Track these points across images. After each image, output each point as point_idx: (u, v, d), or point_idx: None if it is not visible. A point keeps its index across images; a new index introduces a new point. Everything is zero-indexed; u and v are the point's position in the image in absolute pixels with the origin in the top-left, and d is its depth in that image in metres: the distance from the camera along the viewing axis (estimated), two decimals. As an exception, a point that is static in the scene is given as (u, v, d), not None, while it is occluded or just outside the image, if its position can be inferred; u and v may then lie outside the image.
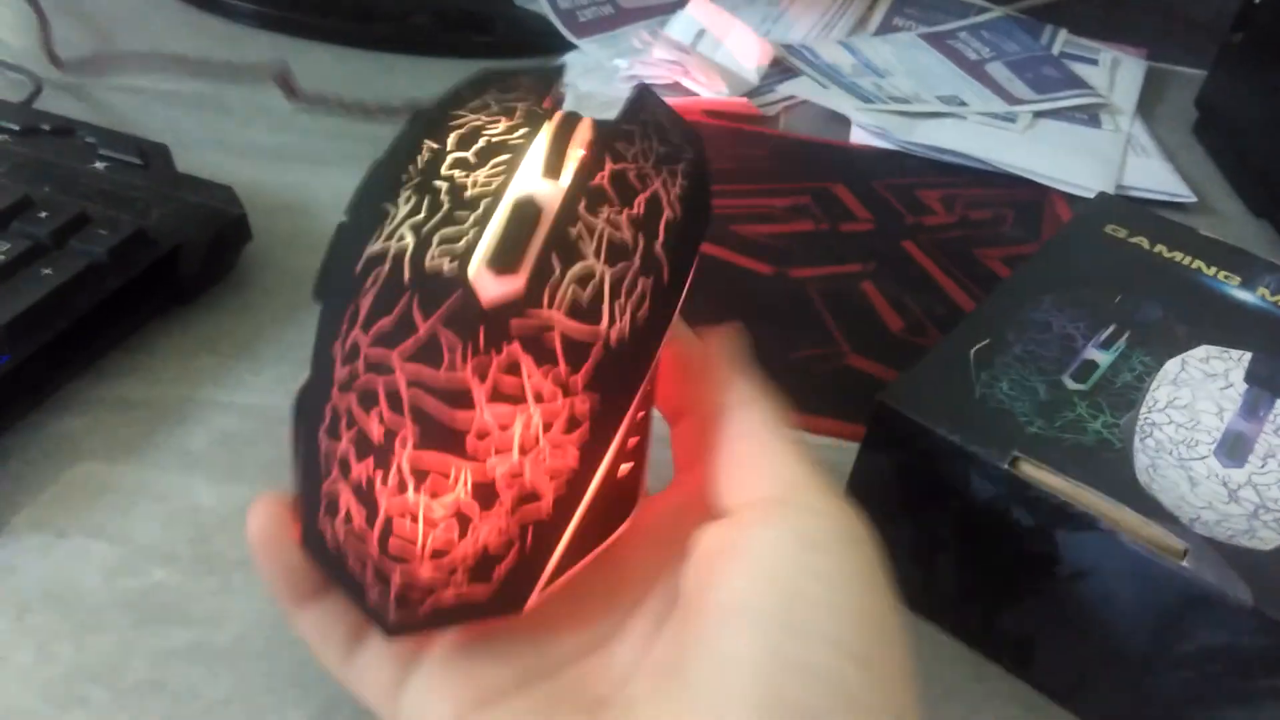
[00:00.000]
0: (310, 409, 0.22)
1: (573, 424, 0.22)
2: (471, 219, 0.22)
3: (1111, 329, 0.34)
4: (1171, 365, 0.32)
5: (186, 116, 0.52)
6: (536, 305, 0.22)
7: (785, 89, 0.63)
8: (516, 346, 0.21)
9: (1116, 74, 0.69)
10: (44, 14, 0.58)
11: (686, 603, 0.22)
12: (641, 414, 0.25)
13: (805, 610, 0.20)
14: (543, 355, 0.22)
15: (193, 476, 0.34)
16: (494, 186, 0.23)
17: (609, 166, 0.24)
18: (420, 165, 0.23)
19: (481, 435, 0.21)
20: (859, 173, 0.56)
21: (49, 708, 0.27)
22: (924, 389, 0.30)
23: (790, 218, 0.51)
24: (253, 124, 0.53)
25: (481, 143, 0.24)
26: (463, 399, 0.21)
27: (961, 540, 0.30)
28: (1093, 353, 0.32)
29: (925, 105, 0.62)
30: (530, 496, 0.22)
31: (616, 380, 0.22)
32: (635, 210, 0.23)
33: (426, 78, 0.61)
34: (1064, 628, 0.29)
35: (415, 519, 0.21)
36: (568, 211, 0.23)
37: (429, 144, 0.24)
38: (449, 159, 0.24)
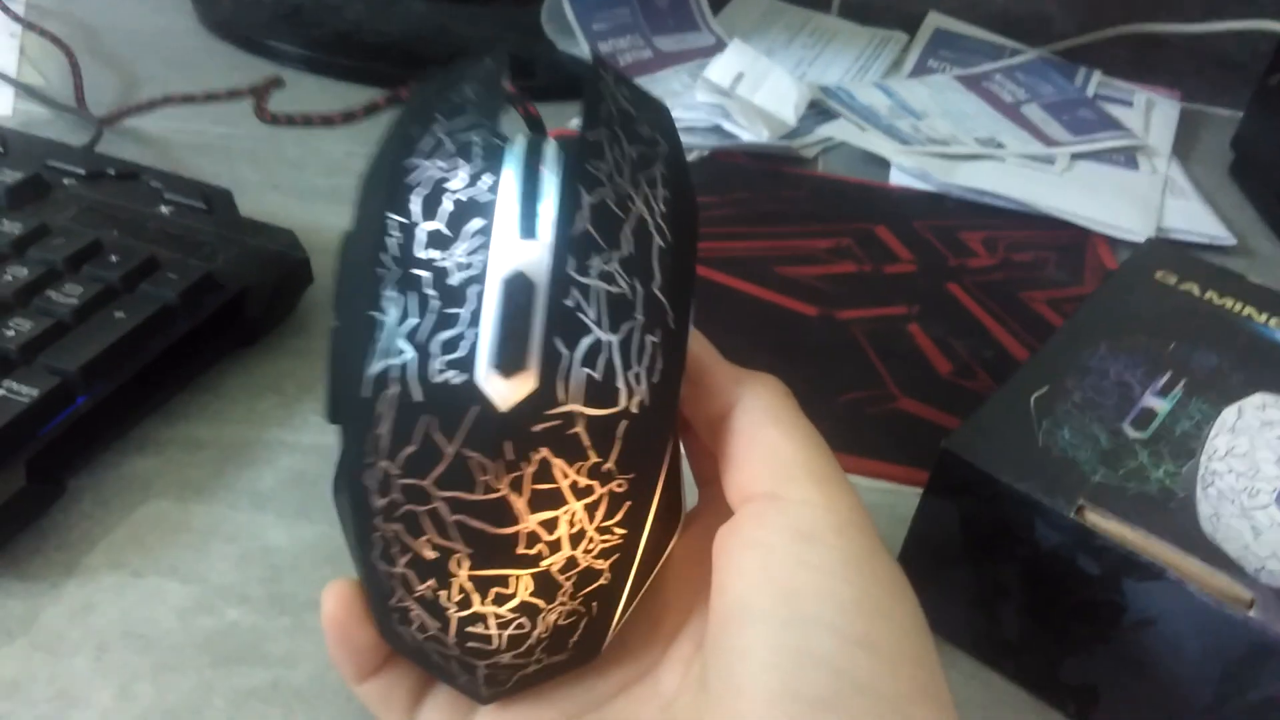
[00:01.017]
0: (359, 535, 0.22)
1: (614, 506, 0.22)
2: (466, 314, 0.21)
3: (1168, 376, 0.34)
4: (1229, 413, 0.33)
5: (243, 161, 0.54)
6: (553, 402, 0.21)
7: (824, 131, 0.64)
8: (545, 452, 0.21)
9: (1151, 116, 0.70)
10: (76, 62, 0.59)
11: (710, 610, 0.23)
12: (674, 449, 0.24)
13: (804, 603, 0.21)
14: (572, 453, 0.21)
15: (263, 516, 0.34)
16: (475, 267, 0.21)
17: (586, 201, 0.22)
18: (393, 252, 0.21)
19: (531, 543, 0.22)
20: (900, 214, 0.57)
21: (132, 747, 0.28)
22: (987, 436, 0.31)
23: (833, 259, 0.52)
24: (307, 166, 0.54)
25: (449, 205, 0.22)
26: (505, 515, 0.21)
27: (1025, 587, 0.30)
28: (1151, 400, 0.33)
29: (963, 147, 0.62)
30: (588, 576, 0.23)
31: (647, 447, 0.22)
32: (624, 250, 0.22)
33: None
34: (1128, 676, 0.30)
35: (486, 624, 0.22)
36: (559, 279, 0.21)
37: (396, 219, 0.22)
38: (420, 236, 0.22)
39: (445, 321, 0.21)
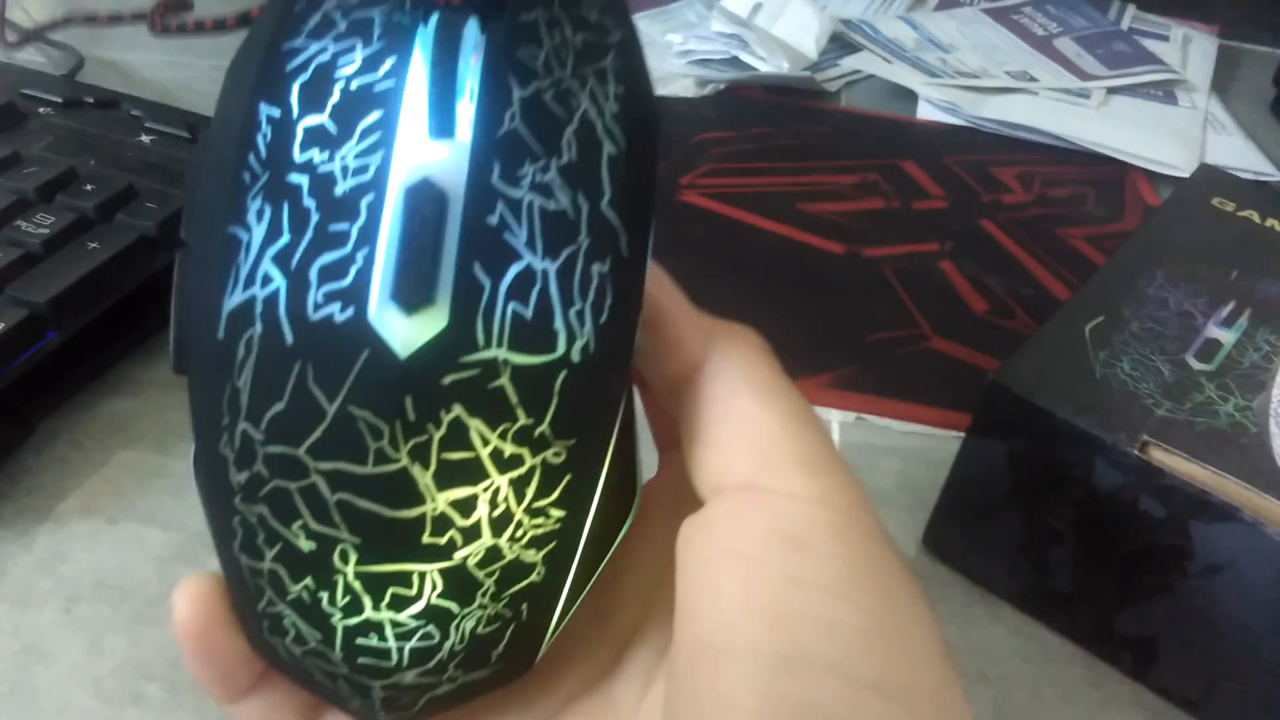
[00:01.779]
0: (216, 521, 0.17)
1: (549, 481, 0.17)
2: (354, 232, 0.16)
3: (1231, 306, 0.31)
4: (1299, 345, 0.30)
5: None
6: (471, 345, 0.16)
7: (848, 64, 0.60)
8: (458, 410, 0.16)
9: (1189, 50, 0.67)
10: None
11: (675, 632, 0.18)
12: (626, 412, 0.19)
13: (800, 635, 0.16)
14: (495, 412, 0.16)
15: (249, 461, 0.32)
16: (371, 171, 0.16)
17: (517, 95, 0.17)
18: (263, 153, 0.17)
19: (440, 529, 0.17)
20: (928, 149, 0.53)
21: (104, 705, 0.25)
22: (1040, 369, 0.28)
23: (859, 195, 0.49)
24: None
25: (338, 95, 0.16)
26: (406, 493, 0.16)
27: (1080, 533, 0.28)
28: (1215, 331, 0.30)
29: (994, 80, 0.59)
30: (516, 570, 0.18)
31: (594, 405, 0.17)
32: (565, 157, 0.17)
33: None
34: (1193, 627, 0.27)
35: (382, 634, 0.17)
36: (481, 190, 0.16)
37: (267, 111, 0.17)
38: (300, 132, 0.16)
39: (327, 241, 0.16)
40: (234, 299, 0.16)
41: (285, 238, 0.16)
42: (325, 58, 0.17)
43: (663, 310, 0.19)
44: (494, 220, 0.16)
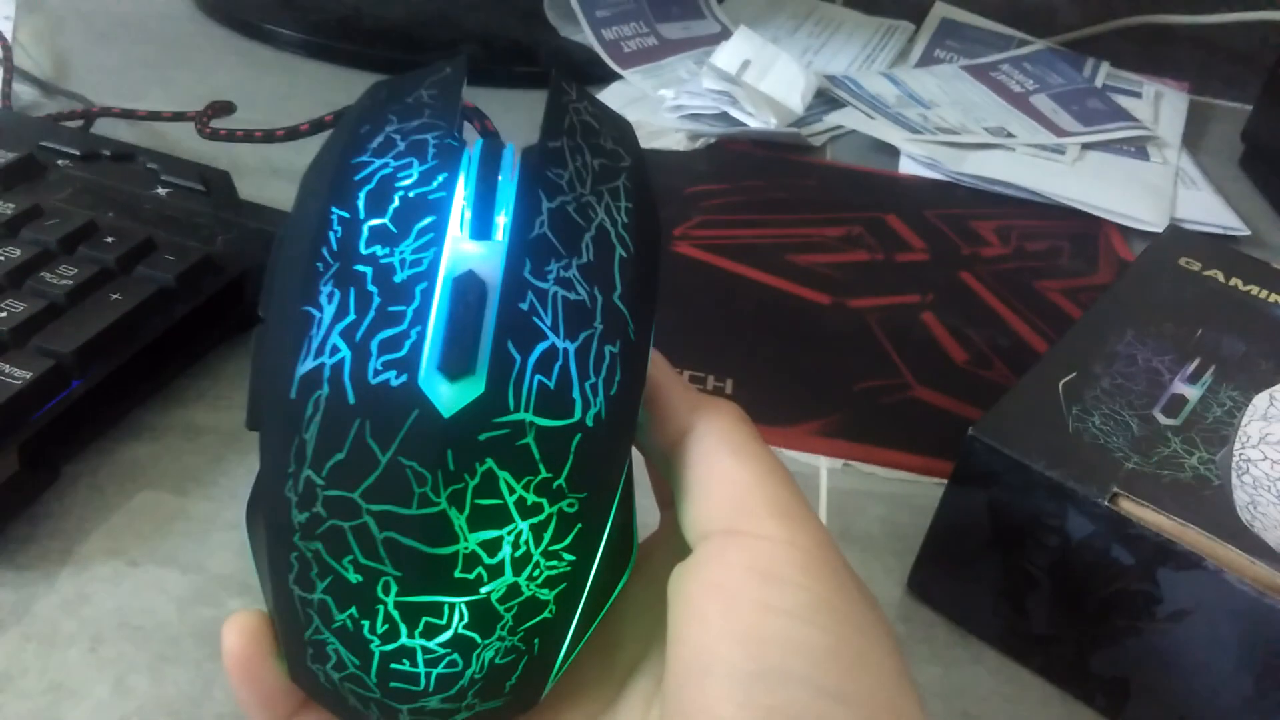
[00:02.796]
0: (274, 556, 0.20)
1: (563, 528, 0.20)
2: (409, 313, 0.19)
3: (1196, 363, 0.33)
4: (1260, 400, 0.32)
5: (240, 144, 0.52)
6: (503, 409, 0.19)
7: (832, 119, 0.63)
8: (491, 463, 0.19)
9: (1160, 107, 0.69)
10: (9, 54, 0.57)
11: (666, 657, 0.21)
12: (627, 474, 0.22)
13: (772, 653, 0.19)
14: (521, 466, 0.19)
15: (264, 505, 0.33)
16: (425, 264, 0.20)
17: (545, 206, 0.21)
18: (335, 246, 0.20)
19: (470, 566, 0.19)
20: (910, 203, 0.56)
21: (129, 742, 0.27)
22: (1015, 423, 0.30)
23: (844, 247, 0.51)
24: (306, 150, 0.53)
25: (397, 202, 0.20)
26: (443, 533, 0.19)
27: (1055, 578, 0.29)
28: (1181, 387, 0.32)
29: (973, 136, 0.61)
30: (531, 607, 0.20)
31: (603, 464, 0.20)
32: (585, 257, 0.21)
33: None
34: (1162, 669, 0.29)
35: (414, 661, 0.20)
36: (514, 281, 0.20)
37: (338, 213, 0.20)
38: (366, 232, 0.20)
39: (387, 319, 0.19)
40: (306, 365, 0.19)
41: (351, 315, 0.19)
42: (387, 171, 0.21)
43: (657, 386, 0.23)
44: (525, 306, 0.20)
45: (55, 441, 0.33)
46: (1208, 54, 0.77)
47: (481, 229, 0.20)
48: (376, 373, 0.19)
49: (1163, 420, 0.30)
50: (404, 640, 0.19)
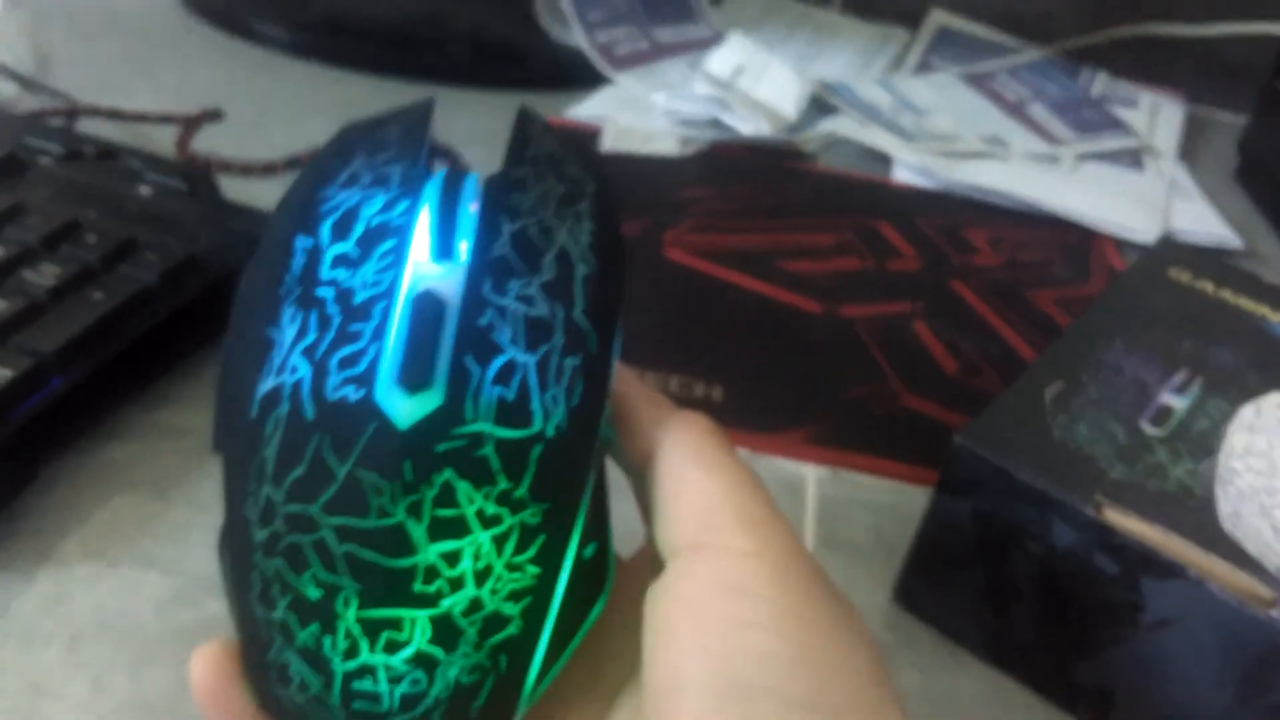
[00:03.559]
0: (236, 577, 0.20)
1: (525, 539, 0.20)
2: (368, 331, 0.20)
3: (1184, 374, 0.33)
4: (1246, 411, 0.32)
5: (225, 145, 0.52)
6: (460, 420, 0.19)
7: (825, 126, 0.63)
8: (449, 474, 0.19)
9: (1156, 118, 0.69)
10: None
11: (643, 675, 0.20)
12: (598, 492, 0.22)
13: (741, 666, 0.18)
14: (479, 476, 0.19)
15: (245, 507, 0.33)
16: (385, 285, 0.20)
17: (506, 229, 0.21)
18: (298, 272, 0.21)
19: (430, 578, 0.19)
20: (902, 211, 0.55)
21: (102, 744, 0.26)
22: (1001, 431, 0.29)
23: (835, 255, 0.51)
24: (294, 151, 0.53)
25: (361, 229, 0.21)
26: (401, 545, 0.19)
27: (1039, 587, 0.29)
28: (1168, 398, 0.32)
29: (967, 145, 0.61)
30: (495, 622, 0.20)
31: (563, 476, 0.20)
32: (545, 275, 0.21)
33: (462, 109, 0.60)
34: (1145, 678, 0.29)
35: (376, 678, 0.19)
36: (473, 298, 0.20)
37: (303, 242, 0.21)
38: (328, 257, 0.21)
39: (346, 338, 0.20)
40: (266, 384, 0.19)
41: (311, 335, 0.20)
42: (353, 202, 0.21)
43: (624, 402, 0.23)
44: (484, 322, 0.20)
45: (34, 441, 0.32)
46: (1205, 65, 0.77)
47: (443, 252, 0.21)
48: (335, 388, 0.19)
49: (1149, 430, 0.30)
50: (365, 657, 0.19)
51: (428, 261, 0.20)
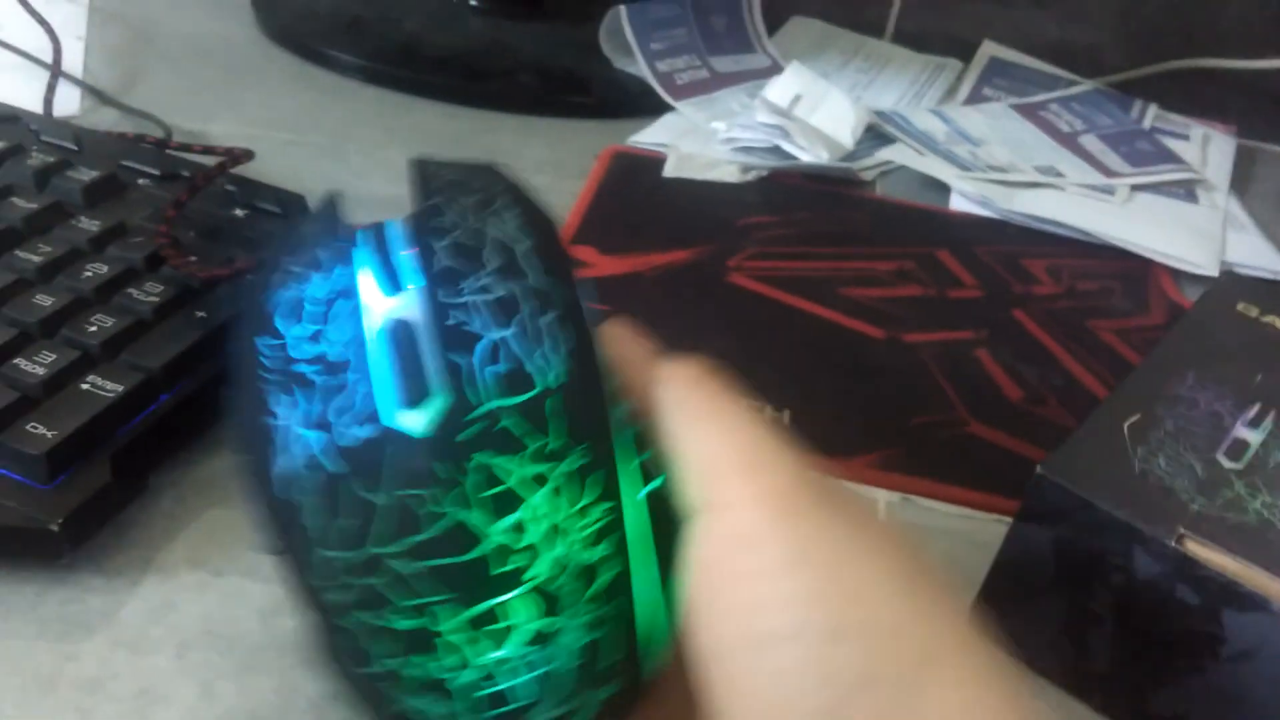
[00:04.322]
0: (333, 653, 0.20)
1: (577, 484, 0.20)
2: (353, 376, 0.21)
3: (1257, 408, 0.34)
4: (1320, 446, 0.32)
5: (307, 168, 0.54)
6: (469, 406, 0.20)
7: (883, 154, 0.63)
8: (478, 456, 0.19)
9: (1208, 150, 0.70)
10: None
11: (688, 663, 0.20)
12: (640, 429, 0.22)
13: (761, 619, 0.19)
14: (508, 445, 0.20)
15: (340, 521, 0.34)
16: (350, 333, 0.21)
17: (439, 246, 0.22)
18: (271, 365, 0.21)
19: (503, 558, 0.19)
20: (961, 239, 0.56)
21: (216, 747, 0.28)
22: (1083, 462, 0.30)
23: (897, 282, 0.52)
24: (370, 176, 0.54)
25: (310, 307, 0.22)
26: (463, 538, 0.19)
27: (1118, 617, 0.30)
28: (1243, 431, 0.32)
29: (1022, 175, 0.62)
30: (587, 572, 0.20)
31: (586, 415, 0.20)
32: (491, 264, 0.22)
33: (529, 136, 0.62)
34: (1223, 710, 0.29)
35: (497, 678, 0.19)
36: (436, 308, 0.21)
37: (264, 342, 0.22)
38: (292, 341, 0.21)
39: (336, 390, 0.21)
40: (280, 466, 0.20)
41: (304, 405, 0.20)
42: (293, 293, 0.22)
43: (620, 362, 0.23)
44: (453, 321, 0.21)
45: (143, 453, 0.34)
46: (1254, 97, 0.77)
47: (391, 286, 0.22)
48: (345, 434, 0.20)
49: (1226, 464, 0.31)
50: (474, 661, 0.19)
51: (380, 300, 0.22)
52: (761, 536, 0.19)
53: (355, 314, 0.22)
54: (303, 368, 0.21)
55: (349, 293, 0.22)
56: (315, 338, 0.21)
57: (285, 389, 0.21)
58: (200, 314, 0.37)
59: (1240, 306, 0.39)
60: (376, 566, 0.19)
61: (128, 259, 0.39)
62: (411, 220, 0.23)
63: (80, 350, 0.34)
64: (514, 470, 0.20)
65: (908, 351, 0.47)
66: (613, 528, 0.20)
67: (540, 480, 0.20)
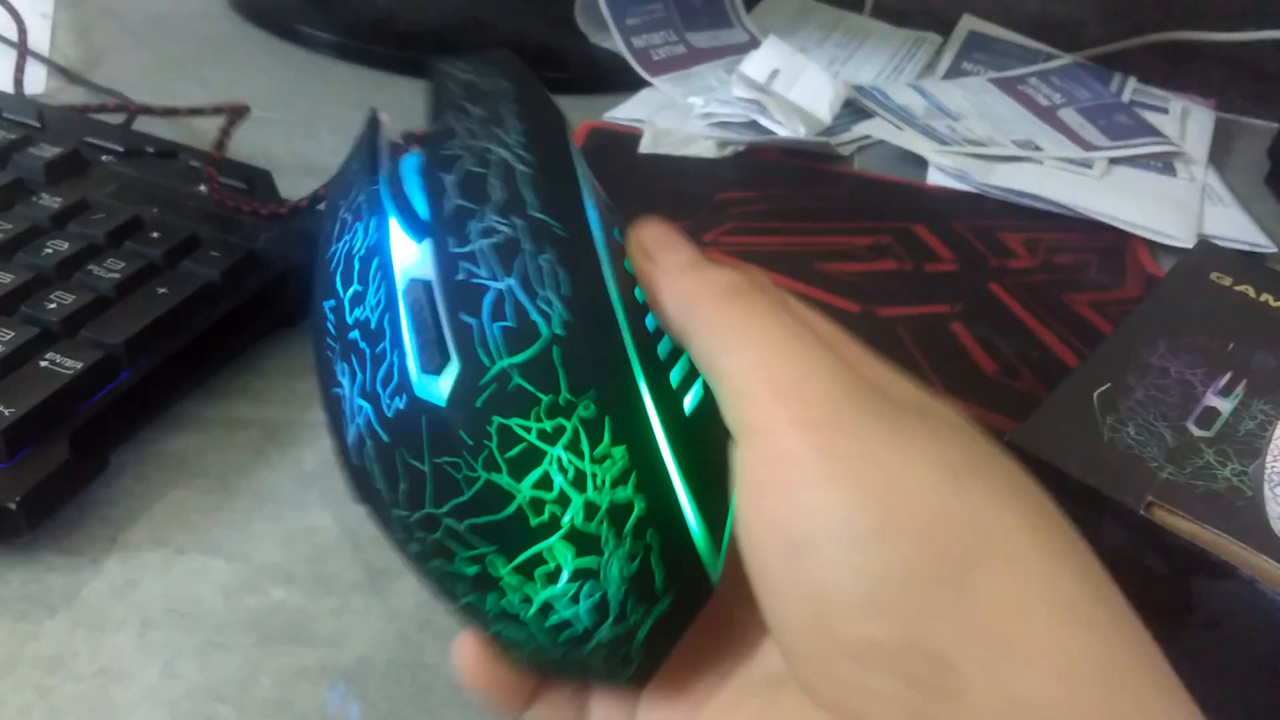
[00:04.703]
0: (437, 591, 0.22)
1: (593, 431, 0.20)
2: (388, 345, 0.21)
3: (1228, 377, 0.33)
4: (1292, 414, 0.32)
5: (279, 143, 0.53)
6: (482, 369, 0.20)
7: (860, 129, 0.63)
8: (497, 418, 0.20)
9: (1187, 123, 0.70)
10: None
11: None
12: (662, 345, 0.22)
13: (802, 527, 0.18)
14: (521, 404, 0.20)
15: (306, 496, 0.34)
16: (384, 298, 0.22)
17: (449, 180, 0.22)
18: (334, 331, 0.23)
19: (538, 509, 0.20)
20: (938, 213, 0.56)
21: (177, 725, 0.27)
22: (1052, 431, 0.30)
23: (873, 256, 0.51)
24: (341, 152, 0.54)
25: (356, 265, 0.23)
26: (498, 497, 0.20)
27: (1088, 585, 0.30)
28: (1213, 400, 0.32)
29: (1001, 149, 0.62)
30: (619, 510, 0.21)
31: (595, 358, 0.21)
32: (495, 197, 0.22)
33: (506, 110, 0.61)
34: (1195, 678, 0.29)
35: (555, 608, 0.21)
36: (445, 262, 0.21)
37: (328, 305, 0.23)
38: (347, 305, 0.23)
39: (377, 361, 0.22)
40: (350, 434, 0.22)
41: (360, 376, 0.22)
42: (345, 247, 0.23)
43: (643, 277, 0.23)
44: (462, 276, 0.21)
45: (104, 431, 0.33)
46: (1234, 71, 0.77)
47: (415, 233, 0.22)
48: (389, 407, 0.21)
49: (1196, 432, 0.31)
50: (538, 597, 0.21)
51: (410, 253, 0.22)
52: (800, 456, 0.19)
53: (387, 272, 0.22)
54: (354, 334, 0.22)
55: (380, 248, 0.23)
56: (360, 300, 0.22)
57: (345, 357, 0.22)
58: (162, 290, 0.36)
59: (1213, 276, 0.39)
60: (436, 524, 0.21)
61: (90, 235, 0.38)
62: (425, 150, 0.24)
63: (40, 327, 0.34)
64: (532, 428, 0.20)
65: (883, 325, 0.46)
66: (636, 466, 0.21)
67: (556, 433, 0.20)
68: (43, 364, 0.33)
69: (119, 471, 0.34)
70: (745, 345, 0.21)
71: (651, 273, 0.23)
